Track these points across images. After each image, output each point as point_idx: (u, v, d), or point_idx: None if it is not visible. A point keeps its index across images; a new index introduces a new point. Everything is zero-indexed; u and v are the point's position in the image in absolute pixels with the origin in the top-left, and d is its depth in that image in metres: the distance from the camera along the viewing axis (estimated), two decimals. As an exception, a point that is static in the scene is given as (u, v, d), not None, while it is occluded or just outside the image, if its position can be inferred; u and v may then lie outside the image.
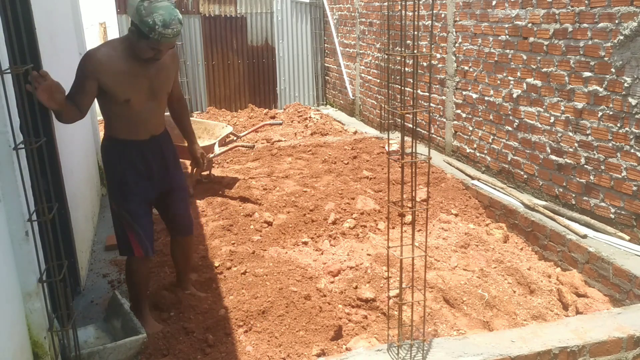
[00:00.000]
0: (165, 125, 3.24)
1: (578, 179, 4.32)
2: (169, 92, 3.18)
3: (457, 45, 5.91)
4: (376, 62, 8.22)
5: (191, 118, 7.33)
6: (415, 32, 2.66)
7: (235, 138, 6.35)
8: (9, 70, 2.11)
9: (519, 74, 4.93)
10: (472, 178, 5.46)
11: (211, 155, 5.80)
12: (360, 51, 8.79)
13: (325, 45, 10.50)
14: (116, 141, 3.05)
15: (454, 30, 5.94)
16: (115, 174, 3.07)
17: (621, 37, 3.79)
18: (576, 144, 4.31)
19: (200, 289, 3.71)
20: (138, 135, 3.04)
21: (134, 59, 2.88)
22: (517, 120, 5.01)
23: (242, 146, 6.11)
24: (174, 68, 3.19)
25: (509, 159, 5.18)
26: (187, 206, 3.46)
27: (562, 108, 4.43)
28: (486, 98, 5.46)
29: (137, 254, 3.15)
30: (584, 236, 3.97)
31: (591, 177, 4.19)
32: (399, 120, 6.46)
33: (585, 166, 4.23)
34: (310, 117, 9.36)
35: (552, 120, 4.56)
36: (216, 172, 6.36)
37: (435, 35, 6.30)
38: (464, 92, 5.87)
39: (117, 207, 3.12)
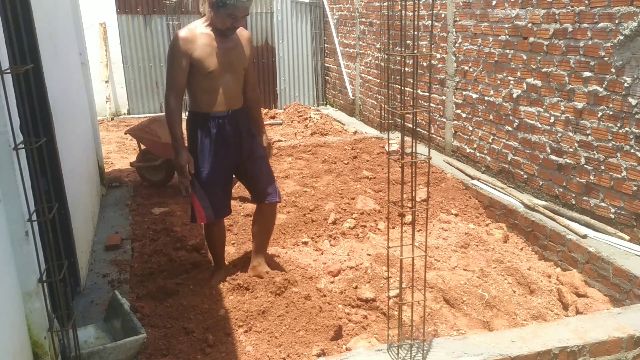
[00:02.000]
0: (242, 101, 3.57)
1: (578, 179, 4.32)
2: (245, 68, 3.51)
3: (457, 45, 5.91)
4: (376, 62, 8.22)
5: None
6: (415, 32, 2.66)
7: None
8: (9, 70, 2.10)
9: (519, 74, 4.93)
10: (472, 178, 5.46)
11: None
12: (360, 51, 8.79)
13: (325, 45, 10.50)
14: (196, 115, 3.45)
15: (454, 30, 5.94)
16: (193, 144, 3.45)
17: (621, 37, 3.79)
18: (576, 144, 4.31)
19: (201, 287, 3.70)
20: (217, 108, 3.40)
21: (214, 33, 3.31)
22: (517, 120, 5.01)
23: None
24: (249, 47, 3.53)
25: (509, 159, 5.18)
26: (266, 173, 3.65)
27: (562, 108, 4.43)
28: (486, 98, 5.46)
29: (199, 221, 3.53)
30: (584, 236, 3.97)
31: (591, 177, 4.19)
32: (399, 120, 6.46)
33: (585, 166, 4.23)
34: (310, 117, 9.36)
35: (552, 120, 4.56)
36: (216, 172, 6.36)
37: (435, 35, 6.30)
38: (464, 92, 5.87)
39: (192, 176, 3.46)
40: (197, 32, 3.30)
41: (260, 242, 3.78)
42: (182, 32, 3.29)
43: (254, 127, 3.66)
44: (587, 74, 4.14)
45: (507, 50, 5.06)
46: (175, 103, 3.36)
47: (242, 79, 3.53)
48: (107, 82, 9.96)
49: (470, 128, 5.80)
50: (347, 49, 9.36)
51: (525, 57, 4.82)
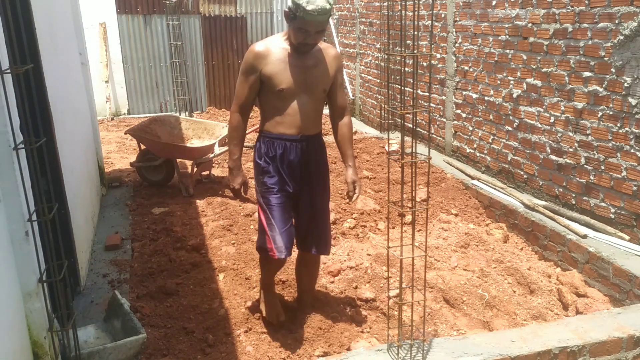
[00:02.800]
0: (320, 129, 3.15)
1: (578, 179, 4.32)
2: (325, 89, 3.07)
3: (457, 45, 5.91)
4: (376, 62, 8.21)
5: (191, 118, 7.35)
6: (415, 32, 2.66)
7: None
8: (9, 70, 2.10)
9: (519, 74, 4.93)
10: (472, 178, 5.46)
11: (211, 155, 5.80)
12: (360, 51, 8.78)
13: (325, 45, 10.49)
14: (265, 135, 3.05)
15: (454, 30, 5.94)
16: (259, 169, 3.06)
17: (621, 37, 3.79)
18: (576, 144, 4.31)
19: (201, 287, 3.70)
20: (288, 130, 3.00)
21: (292, 49, 2.95)
22: (517, 120, 5.01)
23: None
24: (335, 66, 3.08)
25: (509, 159, 5.18)
26: (322, 218, 3.18)
27: (562, 108, 4.43)
28: (486, 98, 5.46)
29: (270, 252, 3.00)
30: (584, 236, 3.97)
31: (591, 177, 4.18)
32: (399, 120, 6.46)
33: (585, 166, 4.23)
34: (310, 117, 9.35)
35: (552, 120, 4.56)
36: (216, 172, 6.37)
37: (435, 35, 6.30)
38: (464, 92, 5.87)
39: (260, 201, 3.08)
40: (273, 45, 2.97)
41: (306, 288, 3.46)
42: (257, 45, 2.99)
43: (325, 163, 3.24)
44: (587, 74, 4.14)
45: (507, 50, 5.06)
46: (238, 119, 3.04)
47: (322, 101, 3.09)
48: (107, 82, 9.96)
49: (470, 128, 5.80)
50: (347, 49, 9.36)
51: (525, 57, 4.82)
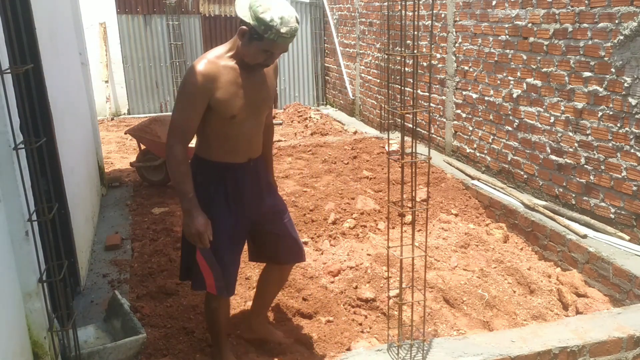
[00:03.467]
0: (261, 145, 2.81)
1: (578, 179, 4.32)
2: (270, 108, 2.80)
3: (457, 45, 5.91)
4: (376, 62, 8.21)
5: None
6: (415, 32, 2.66)
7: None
8: (9, 70, 2.10)
9: (519, 74, 4.93)
10: (472, 178, 5.46)
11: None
12: (360, 51, 8.78)
13: (325, 45, 10.50)
14: (208, 164, 2.66)
15: (454, 30, 5.94)
16: (203, 201, 2.59)
17: (621, 37, 3.79)
18: (576, 144, 4.31)
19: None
20: (236, 158, 2.66)
21: (239, 67, 2.55)
22: (517, 120, 5.01)
23: None
24: (276, 77, 2.80)
25: (509, 159, 5.18)
26: (292, 230, 2.94)
27: (562, 108, 4.43)
28: (486, 98, 5.46)
29: (209, 291, 2.71)
30: (584, 236, 3.97)
31: (591, 177, 4.18)
32: (399, 120, 6.46)
33: (585, 166, 4.23)
34: (310, 117, 9.36)
35: (552, 120, 4.56)
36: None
37: (435, 35, 6.30)
38: (464, 92, 5.87)
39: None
40: (221, 65, 2.52)
41: (268, 300, 3.16)
42: (202, 66, 2.47)
43: (272, 177, 3.02)
44: (587, 74, 4.14)
45: (507, 50, 5.06)
46: (183, 153, 2.52)
47: (264, 119, 2.78)
48: (107, 82, 9.96)
49: (470, 128, 5.80)
50: (347, 49, 9.36)
51: (525, 57, 4.82)
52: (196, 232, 2.53)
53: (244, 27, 2.42)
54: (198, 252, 2.65)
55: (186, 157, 2.54)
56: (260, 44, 2.43)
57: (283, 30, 2.38)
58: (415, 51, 2.59)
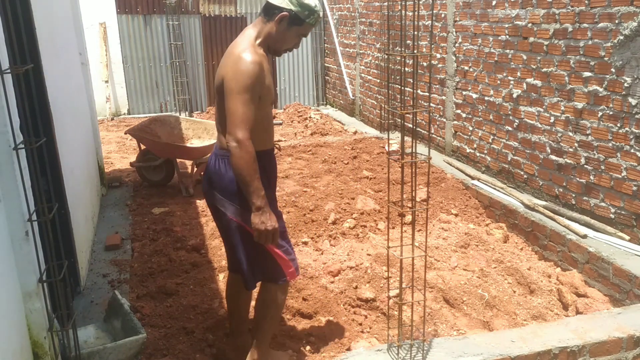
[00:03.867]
0: None
1: (578, 179, 4.32)
2: None
3: (457, 45, 5.91)
4: (376, 62, 8.22)
5: (191, 118, 7.34)
6: (415, 32, 2.66)
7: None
8: (9, 70, 2.10)
9: (519, 74, 4.93)
10: (472, 178, 5.46)
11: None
12: (360, 51, 8.79)
13: (325, 45, 10.50)
14: (259, 154, 2.55)
15: (454, 30, 5.94)
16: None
17: (621, 37, 3.79)
18: (576, 144, 4.31)
19: (201, 287, 3.70)
20: (269, 144, 2.73)
21: (267, 55, 2.63)
22: (517, 120, 5.01)
23: None
24: None
25: (509, 159, 5.18)
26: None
27: (562, 108, 4.43)
28: (486, 98, 5.46)
29: (291, 278, 2.74)
30: (584, 236, 3.97)
31: (591, 177, 4.18)
32: (399, 120, 6.46)
33: (585, 166, 4.23)
34: (310, 117, 9.36)
35: (552, 120, 4.56)
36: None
37: (435, 35, 6.30)
38: (464, 92, 5.87)
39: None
40: (261, 53, 2.58)
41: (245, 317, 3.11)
42: (255, 56, 2.50)
43: None
44: (587, 74, 4.14)
45: (507, 50, 5.06)
46: (252, 146, 2.44)
47: None
48: (107, 82, 9.96)
49: (470, 128, 5.80)
50: (347, 49, 9.36)
51: (525, 57, 4.82)
52: (273, 230, 2.49)
53: (285, 12, 2.52)
54: (271, 247, 2.62)
55: (255, 152, 2.46)
56: (299, 29, 2.58)
57: (321, 14, 2.61)
58: (415, 51, 2.59)
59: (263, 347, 2.80)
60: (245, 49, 2.52)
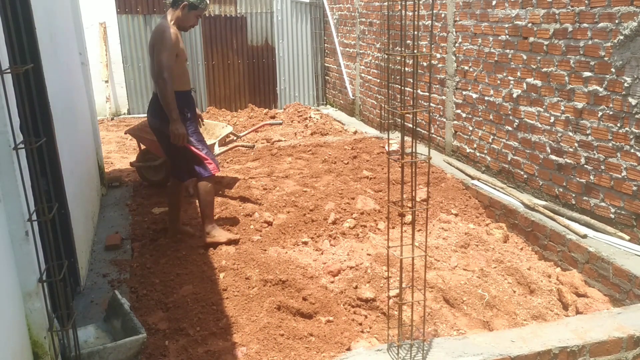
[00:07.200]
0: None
1: (578, 178, 4.32)
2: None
3: (457, 45, 5.91)
4: (376, 62, 8.22)
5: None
6: (415, 32, 2.66)
7: (235, 138, 6.35)
8: (9, 70, 2.10)
9: (519, 73, 4.93)
10: (472, 178, 5.46)
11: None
12: (360, 51, 8.79)
13: (325, 45, 10.50)
14: (180, 93, 4.14)
15: (454, 30, 5.94)
16: (183, 116, 4.15)
17: (621, 37, 3.79)
18: (576, 144, 4.31)
19: (201, 288, 3.71)
20: (185, 87, 4.22)
21: (180, 30, 4.21)
22: (517, 120, 5.01)
23: (242, 146, 6.11)
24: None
25: (509, 158, 5.18)
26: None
27: (562, 108, 4.43)
28: (486, 98, 5.46)
29: (214, 172, 4.26)
30: (584, 236, 3.97)
31: (591, 177, 4.19)
32: (399, 120, 6.45)
33: (585, 166, 4.23)
34: (310, 117, 9.36)
35: (552, 120, 4.56)
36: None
37: (435, 35, 6.30)
38: (464, 92, 5.87)
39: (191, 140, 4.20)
40: (175, 29, 4.13)
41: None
42: (171, 28, 4.08)
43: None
44: (587, 73, 4.14)
45: (507, 50, 5.06)
46: (172, 82, 4.02)
47: None
48: (107, 82, 9.96)
49: (470, 128, 5.80)
50: (347, 49, 9.36)
51: (525, 57, 4.82)
52: (182, 133, 4.06)
53: (185, 2, 4.09)
54: (193, 150, 4.19)
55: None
56: (195, 12, 4.18)
57: (209, 2, 4.27)
58: (415, 51, 2.59)
59: (209, 222, 4.34)
60: (166, 26, 4.08)
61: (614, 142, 3.95)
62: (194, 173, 4.26)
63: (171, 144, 4.13)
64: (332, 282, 3.76)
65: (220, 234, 4.33)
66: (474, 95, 5.67)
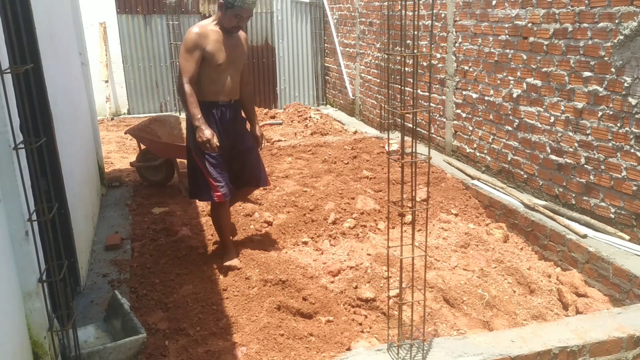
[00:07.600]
0: (239, 94, 4.00)
1: (578, 178, 4.32)
2: (244, 64, 4.00)
3: (457, 45, 5.91)
4: (376, 62, 8.22)
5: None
6: (415, 32, 2.66)
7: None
8: (9, 70, 2.10)
9: (519, 73, 4.93)
10: (472, 178, 5.46)
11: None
12: (360, 51, 8.78)
13: (325, 45, 10.50)
14: (204, 103, 3.78)
15: (454, 30, 5.94)
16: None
17: (621, 37, 3.79)
18: (576, 144, 4.31)
19: (201, 288, 3.71)
20: (222, 97, 3.84)
21: (222, 31, 3.77)
22: (517, 120, 5.01)
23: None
24: (246, 47, 4.04)
25: (509, 158, 5.18)
26: (256, 160, 4.11)
27: (562, 108, 4.43)
28: (486, 98, 5.46)
29: (217, 199, 3.85)
30: (584, 236, 3.97)
31: (591, 177, 4.19)
32: (399, 120, 6.45)
33: (585, 166, 4.23)
34: (310, 117, 9.36)
35: (552, 120, 4.56)
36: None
37: (435, 35, 6.30)
38: (464, 92, 5.87)
39: (199, 159, 3.83)
40: (208, 29, 3.73)
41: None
42: (196, 28, 3.72)
43: (246, 119, 4.15)
44: (587, 73, 4.14)
45: (507, 50, 5.06)
46: (191, 88, 3.69)
47: (240, 74, 3.97)
48: (107, 82, 9.96)
49: (470, 128, 5.80)
50: (347, 49, 9.36)
51: (525, 57, 4.82)
52: (207, 139, 3.65)
53: (221, 1, 3.67)
54: (204, 171, 3.82)
55: (193, 91, 3.70)
56: (232, 11, 3.67)
57: (250, 1, 3.66)
58: (415, 51, 2.59)
59: (222, 247, 4.15)
60: (192, 26, 3.78)
61: (614, 142, 3.95)
62: (202, 195, 4.00)
63: (188, 159, 3.95)
64: (332, 282, 3.76)
65: (231, 258, 4.01)
66: (474, 95, 5.67)
